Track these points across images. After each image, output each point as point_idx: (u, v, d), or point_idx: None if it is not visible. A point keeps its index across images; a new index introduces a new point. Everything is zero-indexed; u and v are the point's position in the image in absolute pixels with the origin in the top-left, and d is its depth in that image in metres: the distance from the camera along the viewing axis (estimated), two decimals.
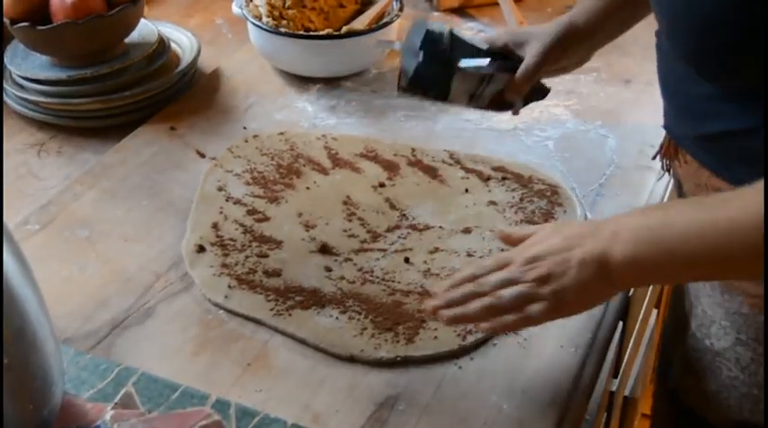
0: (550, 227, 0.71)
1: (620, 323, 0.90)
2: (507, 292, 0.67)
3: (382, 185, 0.97)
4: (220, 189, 0.96)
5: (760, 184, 0.59)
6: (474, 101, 0.92)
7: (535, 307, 0.67)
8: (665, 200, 1.00)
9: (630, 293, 0.87)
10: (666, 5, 0.71)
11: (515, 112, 0.94)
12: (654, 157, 0.90)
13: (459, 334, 0.77)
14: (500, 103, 0.93)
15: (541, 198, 0.94)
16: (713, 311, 0.80)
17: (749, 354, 0.78)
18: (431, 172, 0.99)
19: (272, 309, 0.80)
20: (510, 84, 0.90)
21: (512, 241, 0.73)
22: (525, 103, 0.94)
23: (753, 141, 0.68)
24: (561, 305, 0.67)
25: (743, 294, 0.77)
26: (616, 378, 1.05)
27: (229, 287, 0.83)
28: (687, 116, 0.77)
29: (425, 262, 0.86)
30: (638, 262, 0.63)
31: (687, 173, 0.80)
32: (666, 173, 0.90)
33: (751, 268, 0.62)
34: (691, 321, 0.84)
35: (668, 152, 0.85)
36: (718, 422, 0.83)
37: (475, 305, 0.68)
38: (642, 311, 1.14)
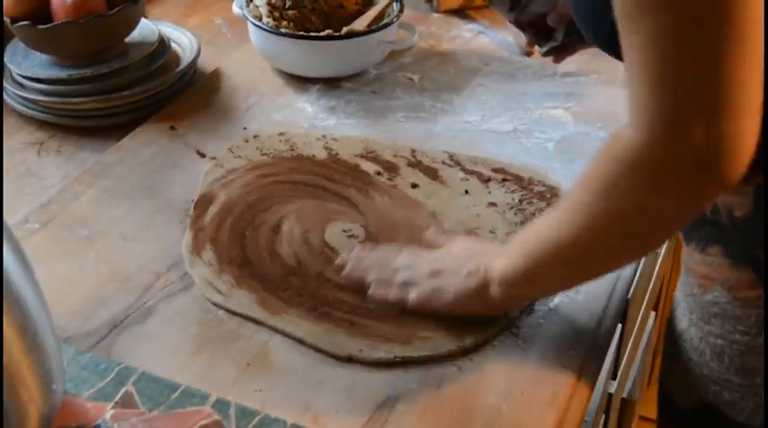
0: (459, 242, 0.83)
1: (619, 325, 0.91)
2: (400, 275, 0.80)
3: None
4: (221, 188, 0.96)
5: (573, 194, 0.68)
6: (516, 11, 0.92)
7: (414, 292, 0.79)
8: None
9: (630, 295, 0.87)
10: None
11: (554, 52, 0.97)
12: None
13: (457, 335, 0.77)
14: (541, 30, 0.93)
15: (541, 200, 0.94)
16: (679, 294, 0.83)
17: (699, 335, 0.79)
18: (431, 173, 0.99)
19: (270, 309, 0.80)
20: (554, 7, 0.91)
21: (432, 242, 0.85)
22: (569, 39, 0.94)
23: None
24: (436, 299, 0.78)
25: (695, 275, 0.78)
26: (614, 380, 1.06)
27: (229, 286, 0.83)
28: None
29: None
30: (509, 273, 0.73)
31: None
32: None
33: (596, 267, 0.72)
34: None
35: None
36: (686, 406, 0.84)
37: (373, 274, 0.81)
38: (640, 314, 1.14)
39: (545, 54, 1.02)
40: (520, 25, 0.98)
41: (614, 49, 0.65)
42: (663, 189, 0.62)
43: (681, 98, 0.58)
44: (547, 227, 0.71)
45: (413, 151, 1.03)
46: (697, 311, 0.79)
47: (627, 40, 0.60)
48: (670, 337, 0.86)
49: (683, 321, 0.82)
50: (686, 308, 0.81)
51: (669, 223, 0.66)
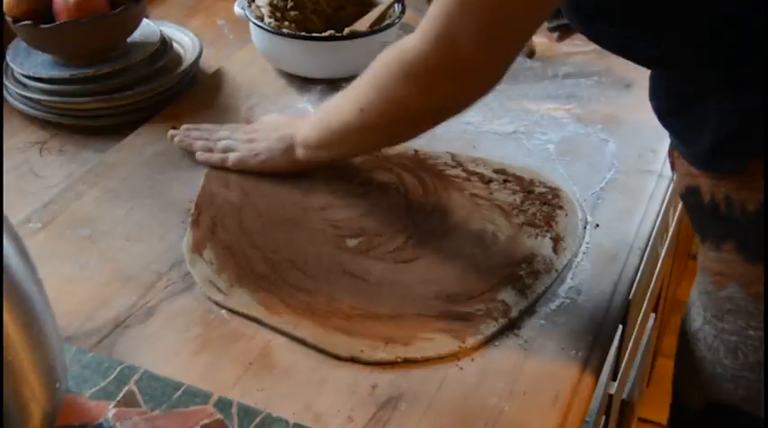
0: (272, 117, 1.02)
1: (620, 326, 0.91)
2: (222, 143, 0.99)
3: None
4: (222, 188, 0.96)
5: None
6: None
7: (233, 154, 0.97)
8: (665, 203, 1.00)
9: (631, 296, 0.87)
10: None
11: (560, 29, 1.02)
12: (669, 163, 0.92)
13: (458, 336, 0.78)
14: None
15: (542, 201, 0.94)
16: (694, 293, 0.83)
17: (713, 333, 0.79)
18: (434, 173, 0.99)
19: (270, 309, 0.81)
20: None
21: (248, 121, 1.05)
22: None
23: (695, 112, 0.73)
24: (251, 158, 0.96)
25: (709, 273, 0.79)
26: (614, 381, 1.06)
27: (229, 285, 0.83)
28: (651, 99, 0.81)
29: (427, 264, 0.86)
30: (308, 138, 0.92)
31: (679, 167, 0.81)
32: (673, 172, 0.91)
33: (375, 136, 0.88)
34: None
35: (671, 152, 0.87)
36: (697, 406, 0.84)
37: (199, 143, 1.00)
38: (640, 315, 1.14)
39: (551, 29, 1.03)
40: None
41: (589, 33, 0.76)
42: (424, 88, 0.79)
43: (456, 22, 0.72)
44: (332, 106, 0.89)
45: (416, 151, 1.03)
46: (711, 309, 0.79)
47: None
48: (683, 338, 0.86)
49: (697, 320, 0.82)
50: (700, 307, 0.81)
51: (425, 116, 0.84)
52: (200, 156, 0.99)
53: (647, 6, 0.70)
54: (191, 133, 1.02)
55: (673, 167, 0.87)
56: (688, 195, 0.79)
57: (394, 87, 0.81)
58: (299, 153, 0.93)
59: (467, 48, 0.73)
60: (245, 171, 0.97)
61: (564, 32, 1.04)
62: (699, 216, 0.79)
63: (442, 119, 0.85)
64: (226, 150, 0.98)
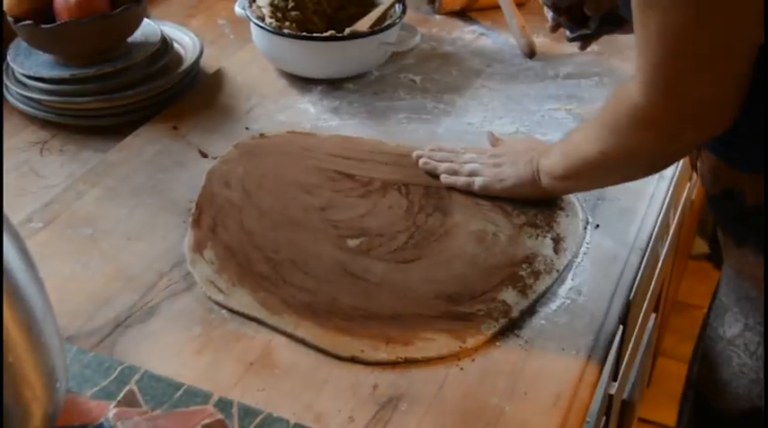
0: (515, 141, 1.01)
1: (621, 326, 0.91)
2: (468, 166, 0.96)
3: None
4: (223, 187, 0.96)
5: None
6: None
7: (479, 178, 0.95)
8: (666, 203, 1.00)
9: (631, 296, 0.87)
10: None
11: (583, 38, 1.01)
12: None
13: (459, 336, 0.78)
14: (576, 16, 0.97)
15: (543, 201, 0.94)
16: (727, 298, 0.82)
17: (757, 339, 0.79)
18: (435, 174, 0.99)
19: (271, 309, 0.81)
20: None
21: (492, 142, 1.03)
22: (600, 29, 0.98)
23: (746, 119, 0.72)
24: (498, 184, 0.93)
25: (751, 278, 0.78)
26: (615, 381, 1.06)
27: (230, 285, 0.83)
28: None
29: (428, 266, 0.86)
30: (554, 169, 0.89)
31: (707, 168, 0.81)
32: (694, 173, 0.91)
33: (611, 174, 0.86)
34: (711, 311, 0.85)
35: (695, 157, 0.86)
36: (731, 412, 0.83)
37: (445, 165, 0.97)
38: (641, 315, 1.14)
39: (572, 39, 1.03)
40: (556, 10, 1.00)
41: None
42: (653, 138, 0.76)
43: (682, 65, 0.70)
44: (577, 141, 0.86)
45: None
46: (755, 315, 0.79)
47: (643, 20, 0.70)
48: (712, 343, 0.85)
49: (735, 327, 0.81)
50: (739, 313, 0.81)
51: (667, 162, 0.83)
52: (444, 179, 0.96)
53: None
54: (435, 154, 0.99)
55: (695, 169, 0.86)
56: (725, 199, 0.78)
57: (634, 139, 0.77)
58: (545, 181, 0.90)
59: (694, 89, 0.70)
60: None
61: (585, 42, 1.04)
62: (738, 219, 0.78)
63: (678, 160, 0.90)
64: (472, 174, 0.95)
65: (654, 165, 0.83)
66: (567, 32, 1.02)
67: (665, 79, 0.71)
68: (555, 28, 1.05)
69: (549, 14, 1.02)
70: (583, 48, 1.06)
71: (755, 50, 0.69)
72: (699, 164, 0.83)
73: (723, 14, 0.66)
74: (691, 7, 0.66)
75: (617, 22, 0.98)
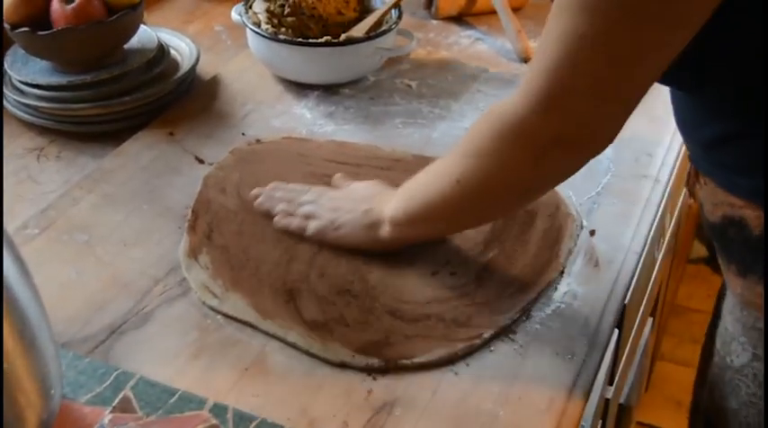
0: (361, 185, 0.92)
1: (616, 330, 0.91)
2: (304, 208, 0.90)
3: None
4: (219, 193, 0.96)
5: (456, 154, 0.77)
6: None
7: (313, 223, 0.88)
8: (662, 208, 1.00)
9: (627, 300, 0.87)
10: None
11: None
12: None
13: (453, 341, 0.78)
14: None
15: (539, 206, 0.94)
16: (734, 327, 0.80)
17: (764, 368, 0.78)
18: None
19: (263, 313, 0.81)
20: None
21: (338, 184, 0.95)
22: None
23: (749, 146, 0.70)
24: (332, 231, 0.87)
25: (758, 309, 0.76)
26: (611, 385, 1.06)
27: (224, 290, 0.83)
28: (685, 129, 0.78)
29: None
30: (396, 215, 0.83)
31: (706, 195, 0.79)
32: (691, 198, 0.90)
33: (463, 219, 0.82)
34: (716, 339, 0.84)
35: (690, 177, 0.85)
36: None
37: (281, 206, 0.91)
38: (638, 319, 1.14)
39: None
40: None
41: None
42: (531, 157, 0.71)
43: (567, 76, 0.66)
44: (426, 179, 0.81)
45: (414, 156, 1.03)
46: (762, 345, 0.76)
47: (549, 26, 0.66)
48: (719, 371, 0.83)
49: (743, 356, 0.79)
50: (747, 343, 0.78)
51: (531, 190, 0.77)
52: (277, 220, 0.90)
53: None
54: (275, 194, 0.93)
55: (692, 194, 0.84)
56: (727, 226, 0.75)
57: (497, 157, 0.73)
58: (385, 231, 0.84)
59: (582, 107, 0.67)
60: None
61: None
62: (741, 248, 0.75)
63: (552, 187, 0.81)
64: (308, 216, 0.89)
65: (524, 192, 0.77)
66: None
67: (553, 88, 0.66)
68: None
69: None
70: None
71: (658, 75, 0.66)
72: (697, 190, 0.83)
73: (630, 29, 0.62)
74: (597, 16, 0.62)
75: None
